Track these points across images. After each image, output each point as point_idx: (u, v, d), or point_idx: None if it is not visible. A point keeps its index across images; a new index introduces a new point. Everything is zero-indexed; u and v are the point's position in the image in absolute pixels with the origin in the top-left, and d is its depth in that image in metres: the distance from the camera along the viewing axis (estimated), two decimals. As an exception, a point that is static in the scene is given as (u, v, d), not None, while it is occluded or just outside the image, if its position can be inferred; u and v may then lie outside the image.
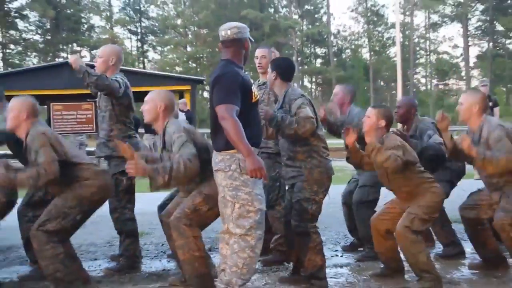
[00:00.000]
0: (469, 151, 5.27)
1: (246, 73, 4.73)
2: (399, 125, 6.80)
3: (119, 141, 5.21)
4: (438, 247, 6.85)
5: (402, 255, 5.74)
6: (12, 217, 6.31)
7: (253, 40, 4.80)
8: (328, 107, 6.86)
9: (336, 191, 7.17)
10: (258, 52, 6.66)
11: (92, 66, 6.13)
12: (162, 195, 6.66)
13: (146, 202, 6.67)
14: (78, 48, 63.45)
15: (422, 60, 70.72)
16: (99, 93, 6.40)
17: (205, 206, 4.94)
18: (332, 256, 6.73)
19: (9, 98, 5.61)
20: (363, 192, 6.58)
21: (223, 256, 4.53)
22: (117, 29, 65.49)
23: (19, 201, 6.14)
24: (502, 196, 5.47)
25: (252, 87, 4.64)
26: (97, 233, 8.01)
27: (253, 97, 4.61)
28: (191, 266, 4.91)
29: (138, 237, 6.56)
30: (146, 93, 5.49)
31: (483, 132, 5.47)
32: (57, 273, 4.92)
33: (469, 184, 8.77)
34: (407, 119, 6.68)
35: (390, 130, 5.62)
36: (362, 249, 6.93)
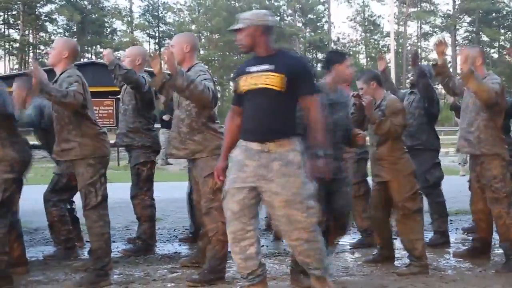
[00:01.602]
0: (463, 63, 5.20)
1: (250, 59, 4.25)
2: None
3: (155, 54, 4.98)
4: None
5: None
6: (38, 201, 6.31)
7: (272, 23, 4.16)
8: None
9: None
10: None
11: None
12: (177, 184, 6.63)
13: (160, 191, 6.65)
14: (102, 50, 63.42)
15: (414, 66, 70.54)
16: (123, 88, 6.40)
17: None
18: (329, 243, 6.70)
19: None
20: (353, 189, 6.54)
21: None
22: (137, 33, 65.42)
23: (45, 187, 6.14)
24: (485, 178, 5.43)
25: (240, 77, 4.15)
26: (115, 218, 8.00)
27: (238, 87, 4.16)
28: (213, 248, 4.89)
29: (155, 223, 6.54)
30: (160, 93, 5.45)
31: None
32: (98, 250, 4.92)
33: (457, 179, 8.80)
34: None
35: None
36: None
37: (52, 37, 60.93)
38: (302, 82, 4.05)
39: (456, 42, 63.17)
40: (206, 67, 5.10)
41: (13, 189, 4.92)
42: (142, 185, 6.32)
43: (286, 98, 4.01)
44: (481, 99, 5.26)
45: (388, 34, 59.79)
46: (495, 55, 64.16)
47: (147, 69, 6.68)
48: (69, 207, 6.28)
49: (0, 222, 4.79)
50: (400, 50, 61.54)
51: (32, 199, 6.97)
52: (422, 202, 5.49)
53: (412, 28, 75.30)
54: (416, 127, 6.46)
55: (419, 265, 5.26)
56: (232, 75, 4.10)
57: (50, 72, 4.93)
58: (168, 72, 4.64)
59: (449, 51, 65.27)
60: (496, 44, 63.95)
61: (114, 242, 6.87)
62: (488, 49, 64.76)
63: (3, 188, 4.82)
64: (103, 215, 4.97)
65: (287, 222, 4.00)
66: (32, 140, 6.28)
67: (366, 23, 68.09)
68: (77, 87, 4.76)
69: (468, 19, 64.06)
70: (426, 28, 66.61)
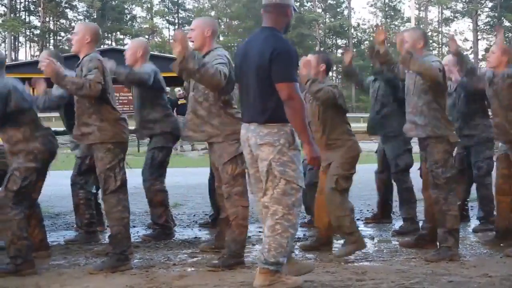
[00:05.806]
0: (399, 47, 5.10)
1: None
2: None
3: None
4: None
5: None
6: (59, 187, 6.36)
7: (296, 10, 4.27)
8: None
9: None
10: None
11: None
12: (196, 170, 6.65)
13: (181, 176, 6.65)
14: (122, 37, 63.55)
15: (435, 52, 70.06)
16: None
17: (240, 167, 4.85)
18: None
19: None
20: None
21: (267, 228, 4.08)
22: (157, 20, 65.45)
23: (65, 173, 6.19)
24: (428, 161, 5.30)
25: None
26: (135, 203, 8.04)
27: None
28: (233, 232, 4.88)
29: (169, 207, 6.48)
30: (182, 78, 5.40)
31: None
32: (118, 235, 4.94)
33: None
34: None
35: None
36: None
37: (73, 24, 61.17)
38: None
39: (478, 28, 62.66)
40: (226, 52, 5.06)
41: (34, 178, 4.95)
42: (154, 171, 6.28)
43: None
44: (426, 78, 5.13)
45: (408, 20, 59.31)
46: (518, 40, 63.48)
47: (164, 55, 6.63)
48: (94, 191, 6.32)
49: (16, 208, 4.81)
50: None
51: (53, 184, 7.01)
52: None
53: (433, 13, 74.65)
54: (387, 115, 6.57)
55: (353, 241, 5.23)
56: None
57: (73, 58, 4.94)
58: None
59: (470, 36, 64.82)
60: (518, 29, 63.21)
61: (134, 227, 6.92)
62: (510, 34, 64.12)
63: (23, 176, 4.84)
64: (122, 200, 4.98)
65: None
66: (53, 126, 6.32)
67: (386, 9, 67.58)
68: (95, 74, 4.76)
69: (489, 4, 63.41)
70: (447, 13, 66.05)
